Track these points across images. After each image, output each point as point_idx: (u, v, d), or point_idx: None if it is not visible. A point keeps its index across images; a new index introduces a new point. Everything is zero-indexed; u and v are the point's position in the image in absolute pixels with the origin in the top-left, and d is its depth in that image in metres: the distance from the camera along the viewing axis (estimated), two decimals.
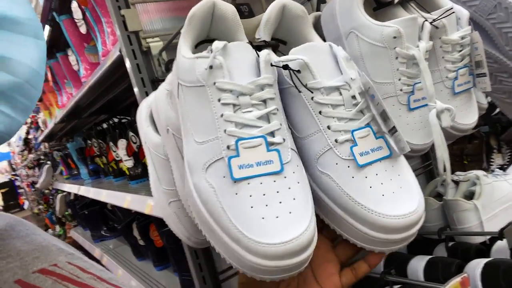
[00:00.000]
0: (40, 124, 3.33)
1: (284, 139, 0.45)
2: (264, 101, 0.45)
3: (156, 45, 0.94)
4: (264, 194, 0.41)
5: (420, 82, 0.60)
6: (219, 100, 0.44)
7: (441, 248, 0.86)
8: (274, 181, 0.42)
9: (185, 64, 0.47)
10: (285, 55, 0.49)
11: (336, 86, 0.47)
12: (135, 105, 0.85)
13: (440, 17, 0.62)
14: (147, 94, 0.91)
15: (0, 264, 0.31)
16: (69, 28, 1.64)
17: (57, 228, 4.46)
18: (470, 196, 0.93)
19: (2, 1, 0.29)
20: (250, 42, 0.49)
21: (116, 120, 2.03)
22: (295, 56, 0.47)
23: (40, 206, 6.46)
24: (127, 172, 1.57)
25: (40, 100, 2.95)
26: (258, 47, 0.50)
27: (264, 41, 0.52)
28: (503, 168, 1.81)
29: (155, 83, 0.92)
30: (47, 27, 1.86)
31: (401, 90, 0.60)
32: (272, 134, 0.45)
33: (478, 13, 0.68)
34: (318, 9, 0.82)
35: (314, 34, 0.56)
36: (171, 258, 1.42)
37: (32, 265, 0.32)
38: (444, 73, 0.65)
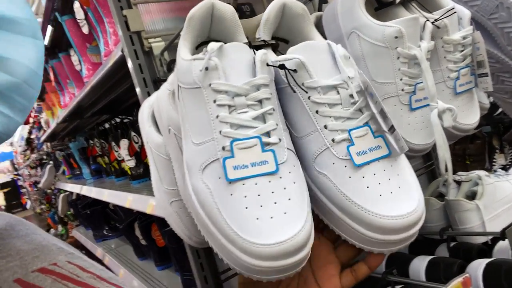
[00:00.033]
0: (43, 124, 3.34)
1: (280, 139, 0.45)
2: (260, 101, 0.45)
3: (158, 45, 0.94)
4: (259, 195, 0.41)
5: (421, 82, 0.60)
6: (214, 101, 0.45)
7: (443, 248, 0.86)
8: (269, 182, 0.42)
9: (183, 66, 0.48)
10: None
11: (333, 85, 0.47)
12: (137, 105, 0.86)
13: (442, 17, 0.62)
14: (149, 94, 0.91)
15: (0, 263, 0.31)
16: (72, 28, 1.64)
17: (59, 227, 4.47)
18: (472, 196, 0.93)
19: (0, 2, 0.30)
20: (249, 42, 0.49)
21: (118, 120, 2.03)
22: (291, 55, 0.47)
23: (43, 206, 6.48)
24: (129, 172, 1.57)
25: (43, 100, 2.96)
26: (257, 47, 0.50)
27: (264, 40, 0.52)
28: (505, 168, 1.81)
29: (157, 83, 0.93)
30: (50, 27, 1.86)
31: (402, 90, 0.60)
32: (268, 134, 0.44)
33: (480, 13, 0.68)
34: (319, 9, 0.82)
35: (315, 32, 0.55)
36: (173, 257, 1.42)
37: (32, 264, 0.32)
38: (445, 73, 0.65)
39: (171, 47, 0.90)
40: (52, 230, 5.06)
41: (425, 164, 1.26)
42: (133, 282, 1.56)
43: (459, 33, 0.64)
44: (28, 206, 10.37)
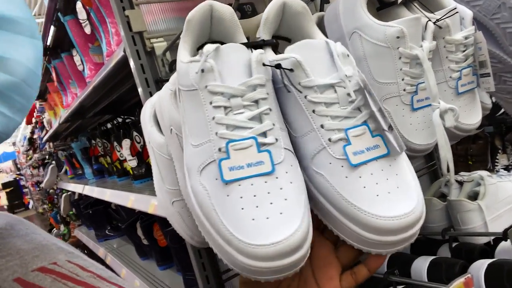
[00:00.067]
0: (45, 124, 3.35)
1: (276, 139, 0.45)
2: (256, 101, 0.45)
3: (160, 45, 0.95)
4: (255, 195, 0.41)
5: (423, 82, 0.60)
6: (210, 103, 0.45)
7: (444, 249, 0.86)
8: (266, 182, 0.42)
9: (182, 69, 0.48)
10: None
11: (330, 84, 0.46)
12: (139, 105, 0.86)
13: (444, 17, 0.62)
14: (151, 94, 0.91)
15: None
16: (74, 29, 1.65)
17: (62, 227, 4.48)
18: (474, 196, 0.93)
19: None
20: (248, 42, 0.50)
21: (120, 120, 2.04)
22: (288, 54, 0.47)
23: (45, 206, 6.50)
24: (131, 171, 1.58)
25: (45, 100, 2.97)
26: (256, 47, 0.50)
27: (263, 40, 0.52)
28: (507, 168, 1.80)
29: (159, 83, 0.93)
30: (52, 28, 1.87)
31: (404, 90, 0.60)
32: (264, 134, 0.44)
33: (482, 13, 0.67)
34: (321, 9, 0.82)
35: (316, 30, 0.55)
36: (175, 257, 1.42)
37: (32, 264, 0.32)
38: (447, 73, 0.65)
39: (173, 47, 0.90)
40: (55, 230, 5.08)
41: (427, 164, 1.26)
42: (135, 282, 1.57)
43: (461, 33, 0.64)
44: (30, 206, 10.40)
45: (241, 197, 0.41)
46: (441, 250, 0.87)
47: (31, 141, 5.41)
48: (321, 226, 0.50)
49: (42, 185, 4.16)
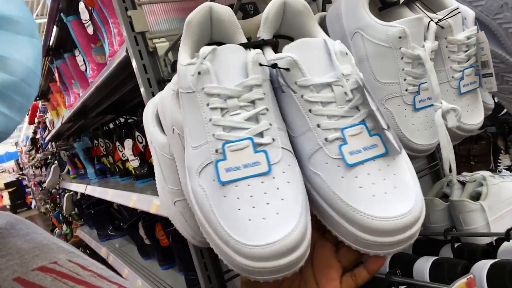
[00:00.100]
0: (48, 124, 3.37)
1: (273, 139, 0.45)
2: (253, 102, 0.45)
3: (162, 45, 0.95)
4: (251, 196, 0.41)
5: (425, 82, 0.60)
6: (207, 105, 0.45)
7: (447, 249, 0.86)
8: (262, 182, 0.42)
9: (181, 71, 0.48)
10: None
11: (327, 83, 0.46)
12: (141, 105, 0.86)
13: (446, 17, 0.62)
14: (153, 95, 0.91)
15: (0, 262, 0.31)
16: (76, 29, 1.65)
17: (64, 227, 4.50)
18: (476, 197, 0.92)
19: None
20: (248, 42, 0.50)
21: (122, 120, 2.04)
22: (285, 54, 0.47)
23: (47, 206, 6.52)
24: (133, 171, 1.58)
25: (48, 100, 2.98)
26: (257, 46, 0.50)
27: (263, 39, 0.52)
28: (510, 169, 1.80)
29: (161, 83, 0.93)
30: (55, 28, 1.88)
31: (406, 90, 0.60)
32: (261, 134, 0.44)
33: (484, 13, 0.67)
34: (323, 9, 0.82)
35: (317, 29, 0.55)
36: (177, 257, 1.42)
37: (32, 263, 0.32)
38: (450, 73, 0.65)
39: (175, 47, 0.90)
40: (57, 230, 5.09)
41: (429, 164, 1.26)
42: (137, 282, 1.57)
43: (463, 33, 0.64)
44: (32, 206, 10.43)
45: (238, 198, 0.42)
46: (443, 251, 0.86)
47: (33, 141, 5.42)
48: (322, 227, 0.50)
49: (45, 185, 4.17)
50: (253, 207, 0.41)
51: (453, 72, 0.65)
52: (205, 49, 0.45)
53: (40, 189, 7.05)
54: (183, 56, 0.50)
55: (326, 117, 0.45)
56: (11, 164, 13.18)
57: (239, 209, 0.41)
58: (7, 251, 0.33)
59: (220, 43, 0.49)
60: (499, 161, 1.93)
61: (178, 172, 0.62)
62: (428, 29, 0.61)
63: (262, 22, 0.52)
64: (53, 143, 3.77)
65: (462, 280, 0.60)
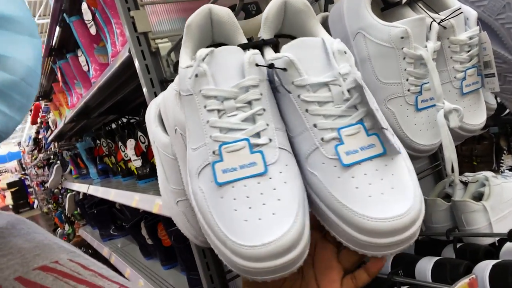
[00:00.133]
0: (50, 124, 3.37)
1: (270, 139, 0.45)
2: (249, 102, 0.45)
3: (164, 46, 0.95)
4: (247, 197, 0.41)
5: (428, 83, 0.60)
6: (205, 107, 0.45)
7: (449, 249, 0.86)
8: (258, 183, 0.42)
9: (181, 74, 0.49)
10: None
11: (324, 82, 0.45)
12: (143, 105, 0.86)
13: (448, 17, 0.62)
14: (156, 95, 0.92)
15: (1, 261, 0.31)
16: (79, 29, 1.66)
17: (66, 227, 4.51)
18: (479, 197, 0.92)
19: None
20: (248, 43, 0.50)
21: (125, 120, 2.05)
22: (282, 54, 0.47)
23: (50, 205, 6.54)
24: (135, 171, 1.58)
25: (50, 100, 2.99)
26: (257, 46, 0.50)
27: (263, 39, 0.52)
28: None
29: (164, 83, 0.93)
30: (57, 28, 1.88)
31: (408, 90, 0.60)
32: (257, 135, 0.45)
33: (487, 13, 0.67)
34: (325, 10, 0.83)
35: (319, 27, 0.54)
36: (179, 257, 1.42)
37: (33, 262, 0.32)
38: (452, 74, 0.65)
39: (178, 47, 0.90)
40: (59, 230, 5.11)
41: (431, 165, 1.26)
42: (139, 282, 1.57)
43: (466, 33, 0.64)
44: (35, 206, 10.46)
45: (235, 199, 0.42)
46: (446, 251, 0.86)
47: (36, 141, 5.44)
48: (323, 228, 0.50)
49: (47, 184, 4.18)
50: (250, 208, 0.41)
51: (455, 72, 0.65)
52: (202, 52, 0.45)
53: (43, 189, 7.07)
54: (184, 59, 0.50)
55: (323, 117, 0.45)
56: (13, 164, 13.22)
57: (235, 210, 0.41)
58: (8, 251, 0.33)
59: (222, 44, 0.49)
60: (501, 161, 1.93)
61: (180, 172, 0.62)
62: (430, 29, 0.61)
63: (262, 22, 0.52)
64: (56, 143, 3.78)
65: (464, 281, 0.60)
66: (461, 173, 0.96)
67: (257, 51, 0.48)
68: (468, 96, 0.66)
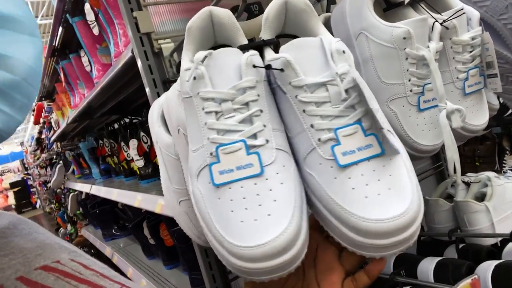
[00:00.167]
0: (53, 124, 3.39)
1: (267, 140, 0.45)
2: (247, 104, 0.45)
3: (167, 46, 0.95)
4: (244, 198, 0.42)
5: (430, 83, 0.60)
6: (203, 109, 0.46)
7: (451, 250, 0.86)
8: (255, 184, 0.42)
9: (182, 76, 0.49)
10: None
11: (321, 82, 0.45)
12: (146, 105, 0.87)
13: (451, 18, 0.62)
14: (158, 95, 0.92)
15: (2, 261, 0.32)
16: (82, 30, 1.66)
17: (69, 226, 4.52)
18: (481, 197, 0.92)
19: None
20: (248, 44, 0.50)
21: (127, 120, 2.06)
22: (279, 54, 0.47)
23: (52, 205, 6.55)
24: (138, 171, 1.59)
25: (53, 100, 3.00)
26: (258, 47, 0.50)
27: (263, 40, 0.52)
28: None
29: (167, 84, 0.94)
30: (60, 29, 1.89)
31: (411, 90, 0.60)
32: (254, 136, 0.45)
33: (489, 14, 0.67)
34: (328, 10, 0.83)
35: (320, 26, 0.54)
36: (181, 257, 1.43)
37: (35, 262, 0.32)
38: (454, 74, 0.65)
39: (181, 48, 0.91)
40: (62, 229, 5.12)
41: (434, 165, 1.25)
42: (141, 281, 1.58)
43: (468, 34, 0.64)
44: (37, 206, 10.49)
45: (231, 200, 0.42)
46: (448, 251, 0.86)
47: (38, 141, 5.46)
48: (325, 230, 0.50)
49: (50, 184, 4.20)
50: (246, 209, 0.41)
51: (457, 72, 0.65)
52: (200, 54, 0.46)
53: (45, 189, 7.09)
54: (185, 61, 0.50)
55: (320, 117, 0.45)
56: (16, 164, 13.26)
57: (232, 211, 0.42)
58: (9, 251, 0.33)
59: (224, 46, 0.50)
60: (504, 161, 1.92)
61: (183, 172, 0.62)
62: (432, 29, 0.61)
63: (263, 22, 0.52)
64: (58, 143, 3.80)
65: (467, 281, 0.60)
66: (463, 173, 0.96)
67: (255, 52, 0.48)
68: (471, 97, 0.66)
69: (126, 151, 1.73)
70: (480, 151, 1.92)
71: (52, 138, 3.45)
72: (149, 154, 1.57)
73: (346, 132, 0.44)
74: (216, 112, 0.45)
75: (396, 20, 0.61)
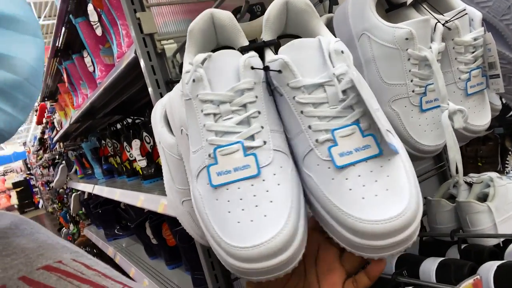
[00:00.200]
0: (56, 124, 3.40)
1: (265, 142, 0.45)
2: (244, 105, 0.46)
3: (170, 47, 0.96)
4: (241, 199, 0.42)
5: (432, 84, 0.60)
6: (202, 111, 0.46)
7: (453, 250, 0.86)
8: (252, 185, 0.43)
9: (182, 79, 0.50)
10: None
11: (319, 83, 0.45)
12: (148, 106, 0.87)
13: (453, 19, 0.62)
14: (161, 95, 0.92)
15: (5, 261, 0.32)
16: (85, 30, 1.67)
17: (71, 226, 4.53)
18: (483, 198, 0.92)
19: (1, 1, 0.30)
20: (249, 45, 0.50)
21: (130, 120, 2.06)
22: (278, 56, 0.47)
23: (55, 205, 6.57)
24: (140, 171, 1.59)
25: (56, 100, 3.01)
26: (259, 48, 0.51)
27: (263, 41, 0.52)
28: None
29: (169, 84, 0.94)
30: (63, 29, 1.90)
31: (413, 91, 0.60)
32: (252, 137, 0.45)
33: (492, 14, 0.67)
34: (330, 11, 0.83)
35: (321, 26, 0.54)
36: (183, 257, 1.43)
37: (37, 262, 0.32)
38: (456, 75, 0.65)
39: (183, 49, 0.91)
40: (64, 229, 5.13)
41: (436, 165, 1.25)
42: (144, 281, 1.58)
43: (470, 34, 0.64)
44: (40, 205, 10.52)
45: (229, 201, 0.43)
46: (450, 252, 0.86)
47: (41, 141, 5.47)
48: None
49: (52, 184, 4.21)
50: (242, 210, 0.42)
51: (460, 73, 0.65)
52: (199, 57, 0.46)
53: (48, 188, 7.11)
54: (186, 64, 0.51)
55: (317, 118, 0.45)
56: (19, 164, 13.30)
57: (229, 212, 0.42)
58: (12, 251, 0.33)
59: (226, 48, 0.50)
60: (507, 162, 1.92)
61: (186, 172, 0.63)
62: (435, 30, 0.61)
63: (264, 23, 0.53)
64: (61, 143, 3.81)
65: (469, 281, 0.60)
66: (465, 174, 0.96)
67: (254, 53, 0.48)
68: (473, 97, 0.66)
69: (129, 151, 1.73)
70: (483, 152, 1.92)
71: (55, 138, 3.46)
72: (151, 154, 1.58)
73: (343, 133, 0.44)
74: (215, 114, 0.46)
75: (398, 21, 0.61)
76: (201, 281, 1.25)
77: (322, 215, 0.45)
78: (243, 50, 0.50)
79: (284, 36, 0.57)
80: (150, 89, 0.95)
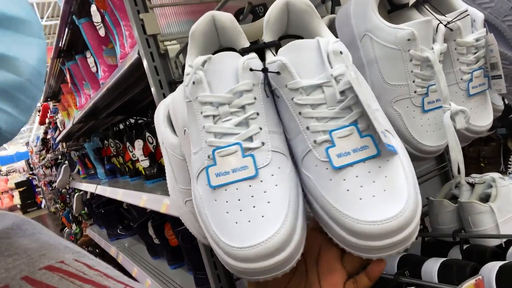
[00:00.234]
0: (58, 124, 3.41)
1: (263, 143, 0.45)
2: (243, 107, 0.46)
3: (173, 47, 0.96)
4: (239, 200, 0.43)
5: (434, 84, 0.60)
6: (201, 113, 0.47)
7: (455, 251, 0.86)
8: (250, 186, 0.43)
9: (183, 81, 0.50)
10: None
11: (317, 84, 0.45)
12: (151, 106, 0.88)
13: (455, 20, 0.62)
14: (164, 96, 0.93)
15: (7, 261, 0.32)
16: (88, 31, 1.68)
17: (74, 226, 4.54)
18: (486, 198, 0.92)
19: (2, 1, 0.30)
20: (250, 46, 0.51)
21: (132, 121, 2.07)
22: (276, 57, 0.47)
23: (57, 205, 6.59)
24: (143, 172, 1.60)
25: (59, 101, 3.02)
26: (259, 49, 0.51)
27: (264, 42, 0.52)
28: None
29: (172, 85, 0.94)
30: (66, 30, 1.90)
31: (415, 92, 0.60)
32: (250, 139, 0.45)
33: (494, 15, 0.68)
34: (332, 12, 0.83)
35: (322, 27, 0.54)
36: (186, 256, 1.43)
37: (39, 262, 0.32)
38: (458, 75, 0.65)
39: (186, 49, 0.92)
40: (67, 229, 5.15)
41: (438, 166, 1.25)
42: (146, 281, 1.59)
43: (472, 35, 0.64)
44: (42, 205, 10.54)
45: (227, 202, 0.43)
46: (452, 252, 0.86)
47: (44, 141, 5.49)
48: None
49: (55, 184, 4.22)
50: (240, 210, 0.42)
51: (462, 74, 0.65)
52: (199, 59, 0.47)
53: (50, 188, 7.13)
54: (187, 66, 0.51)
55: (315, 120, 0.45)
56: (21, 164, 13.34)
57: (227, 212, 0.43)
58: (14, 251, 0.33)
59: (228, 50, 0.50)
60: (509, 162, 1.91)
61: (188, 172, 0.63)
62: (437, 31, 0.61)
63: (264, 25, 0.53)
64: (64, 144, 3.82)
65: (471, 282, 0.60)
66: (468, 174, 0.96)
67: (253, 55, 0.49)
68: (475, 98, 0.66)
69: (132, 152, 1.74)
70: (485, 152, 1.92)
71: (58, 139, 3.48)
72: (154, 155, 1.58)
73: (341, 134, 0.44)
74: (214, 116, 0.46)
75: (400, 21, 0.61)
76: (203, 281, 1.25)
77: (321, 215, 0.45)
78: (244, 52, 0.50)
79: (286, 37, 0.57)
80: (153, 90, 0.95)
